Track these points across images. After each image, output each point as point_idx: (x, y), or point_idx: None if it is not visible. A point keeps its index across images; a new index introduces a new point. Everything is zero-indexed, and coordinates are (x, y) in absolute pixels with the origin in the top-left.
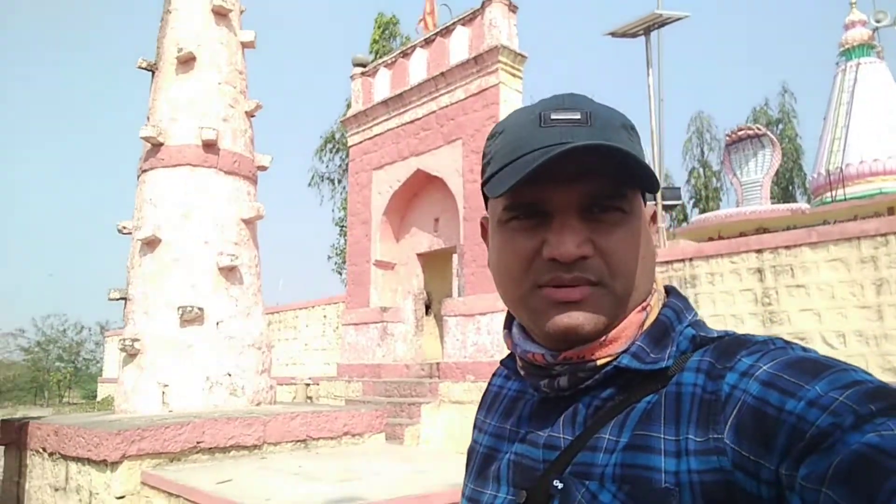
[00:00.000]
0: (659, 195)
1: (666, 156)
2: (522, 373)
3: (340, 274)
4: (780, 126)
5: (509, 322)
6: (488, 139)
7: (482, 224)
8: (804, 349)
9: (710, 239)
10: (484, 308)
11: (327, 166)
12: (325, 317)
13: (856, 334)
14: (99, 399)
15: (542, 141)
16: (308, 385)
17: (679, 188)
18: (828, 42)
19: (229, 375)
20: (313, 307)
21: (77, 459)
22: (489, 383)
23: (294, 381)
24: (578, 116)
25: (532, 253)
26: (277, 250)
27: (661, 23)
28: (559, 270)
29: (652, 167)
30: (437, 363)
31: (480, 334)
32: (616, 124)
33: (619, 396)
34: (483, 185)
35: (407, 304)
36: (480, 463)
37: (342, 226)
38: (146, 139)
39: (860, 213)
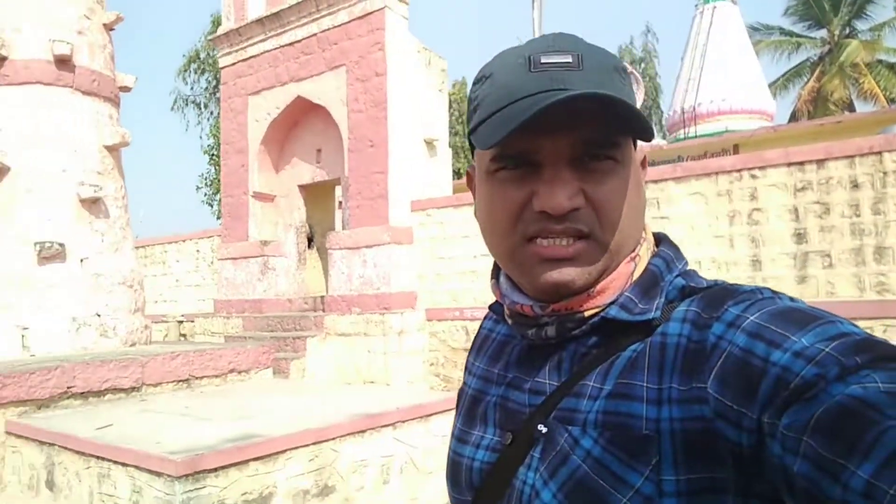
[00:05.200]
0: None
1: None
2: (510, 321)
3: (211, 206)
4: (643, 65)
5: (496, 271)
6: (474, 84)
7: (468, 174)
8: (791, 299)
9: None
10: (370, 241)
11: (192, 88)
12: (198, 251)
13: (710, 260)
14: None
15: (533, 87)
16: (181, 322)
17: None
18: None
19: (98, 316)
20: (184, 241)
21: None
22: (480, 326)
23: (164, 318)
24: (570, 60)
25: (521, 205)
26: (138, 179)
27: None
28: (549, 222)
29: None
30: (322, 297)
31: (366, 267)
32: (608, 66)
33: (604, 345)
34: (469, 133)
35: (289, 237)
36: (469, 404)
37: (212, 154)
38: None
39: (710, 150)
